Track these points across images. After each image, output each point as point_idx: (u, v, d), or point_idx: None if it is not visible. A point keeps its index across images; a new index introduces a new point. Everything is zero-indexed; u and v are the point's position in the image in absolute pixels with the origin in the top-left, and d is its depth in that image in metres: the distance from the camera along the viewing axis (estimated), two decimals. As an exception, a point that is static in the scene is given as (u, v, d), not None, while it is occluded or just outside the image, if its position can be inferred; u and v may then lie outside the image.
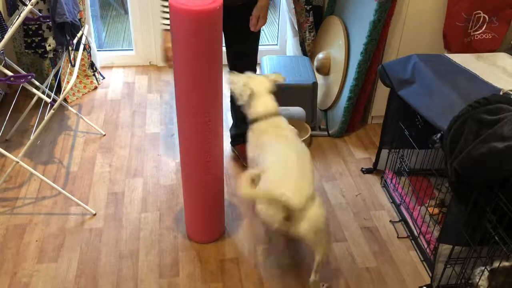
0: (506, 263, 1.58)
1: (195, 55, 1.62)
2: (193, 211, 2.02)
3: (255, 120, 1.96)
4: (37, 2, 2.60)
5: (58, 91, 2.84)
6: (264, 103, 1.96)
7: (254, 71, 2.43)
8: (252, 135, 1.95)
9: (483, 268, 1.63)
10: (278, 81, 2.07)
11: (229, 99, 3.05)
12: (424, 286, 1.92)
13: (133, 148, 2.67)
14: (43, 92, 2.58)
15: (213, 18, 1.58)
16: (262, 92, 1.98)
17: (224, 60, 2.27)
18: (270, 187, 1.63)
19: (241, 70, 2.38)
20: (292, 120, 2.85)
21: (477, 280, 1.64)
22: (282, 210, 1.58)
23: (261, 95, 1.97)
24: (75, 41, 2.37)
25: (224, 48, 2.32)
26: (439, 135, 1.74)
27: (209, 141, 1.82)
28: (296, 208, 1.57)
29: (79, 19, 2.69)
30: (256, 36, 2.32)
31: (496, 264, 1.60)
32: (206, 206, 2.00)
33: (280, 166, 1.71)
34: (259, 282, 1.92)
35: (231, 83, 2.07)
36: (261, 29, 2.32)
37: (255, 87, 1.98)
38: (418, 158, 2.24)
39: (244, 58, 2.36)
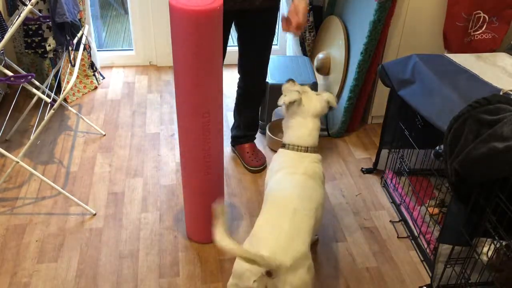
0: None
1: (195, 55, 1.62)
2: (193, 211, 2.02)
3: (285, 146, 1.79)
4: (37, 2, 2.60)
5: (58, 91, 2.84)
6: (302, 133, 1.76)
7: (264, 78, 2.44)
8: (275, 159, 1.79)
9: (491, 240, 1.62)
10: (332, 103, 1.83)
11: (229, 99, 3.05)
12: (424, 286, 1.92)
13: (133, 148, 2.67)
14: (43, 92, 2.58)
15: (213, 18, 1.58)
16: (309, 115, 1.76)
17: (228, 61, 2.29)
18: (254, 243, 1.44)
19: (251, 75, 2.38)
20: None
21: (484, 249, 1.64)
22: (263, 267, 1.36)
23: (306, 119, 1.76)
24: (75, 41, 2.36)
25: (228, 48, 2.33)
26: (442, 146, 1.69)
27: (209, 141, 1.82)
28: (279, 270, 1.36)
29: (79, 19, 2.69)
30: (271, 42, 2.31)
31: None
32: (206, 206, 2.00)
33: (272, 218, 1.52)
34: (259, 282, 1.92)
35: (284, 91, 1.85)
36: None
37: (306, 106, 1.76)
38: (418, 158, 2.24)
39: (257, 65, 2.35)
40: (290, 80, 1.90)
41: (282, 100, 1.76)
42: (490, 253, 1.62)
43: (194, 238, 2.09)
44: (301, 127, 1.77)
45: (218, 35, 1.64)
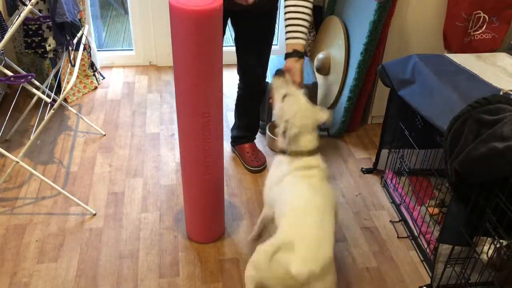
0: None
1: (195, 55, 1.62)
2: (193, 211, 2.02)
3: (287, 153, 1.70)
4: (37, 2, 2.60)
5: (58, 91, 2.84)
6: (305, 141, 1.70)
7: (264, 79, 2.43)
8: (277, 168, 1.72)
9: (491, 239, 1.62)
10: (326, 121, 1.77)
11: (229, 99, 3.05)
12: (424, 286, 1.92)
13: (133, 148, 2.67)
14: (43, 92, 2.58)
15: (213, 18, 1.58)
16: (305, 128, 1.70)
17: (228, 61, 2.29)
18: (283, 252, 1.41)
19: (251, 76, 2.38)
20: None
21: (484, 248, 1.64)
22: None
23: (304, 131, 1.69)
24: (75, 41, 2.37)
25: (228, 48, 2.33)
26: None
27: (209, 141, 1.82)
28: (309, 278, 1.37)
29: (79, 19, 2.69)
30: (270, 42, 2.30)
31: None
32: (206, 206, 2.00)
33: (298, 227, 1.49)
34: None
35: (274, 87, 1.76)
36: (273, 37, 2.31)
37: (299, 121, 1.67)
38: (418, 158, 2.24)
39: (256, 66, 2.34)
40: (278, 72, 1.76)
41: (280, 143, 1.71)
42: (490, 253, 1.63)
43: (194, 238, 2.09)
44: (300, 137, 1.71)
45: (218, 35, 1.64)
